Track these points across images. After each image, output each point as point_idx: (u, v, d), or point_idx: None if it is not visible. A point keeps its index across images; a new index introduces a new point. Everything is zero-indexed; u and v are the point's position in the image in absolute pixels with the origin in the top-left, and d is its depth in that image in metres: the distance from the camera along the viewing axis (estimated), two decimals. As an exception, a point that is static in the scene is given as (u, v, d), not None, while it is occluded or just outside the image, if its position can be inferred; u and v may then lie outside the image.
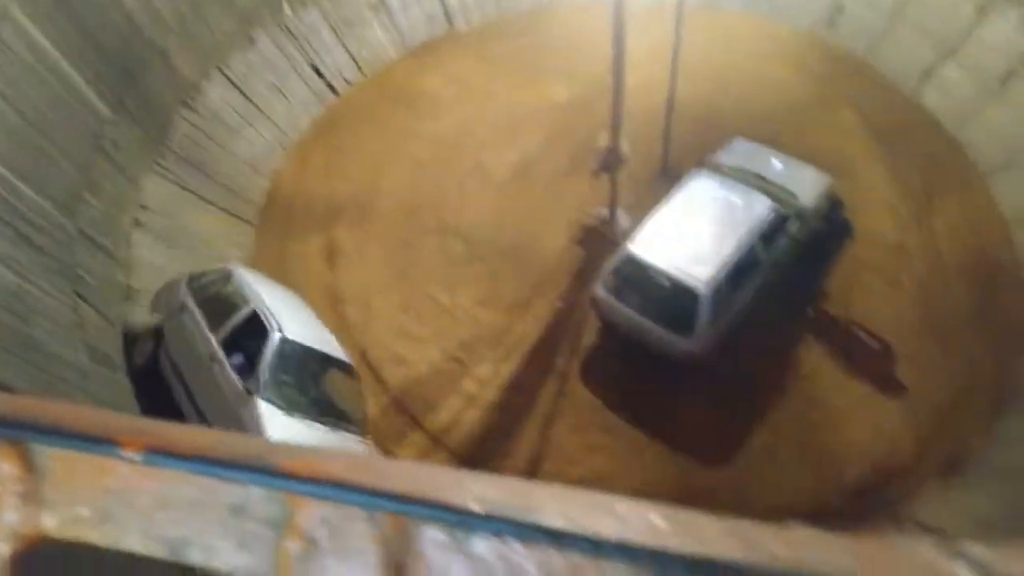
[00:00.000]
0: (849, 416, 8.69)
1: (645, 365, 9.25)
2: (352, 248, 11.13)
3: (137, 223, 9.69)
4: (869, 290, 9.78)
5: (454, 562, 0.68)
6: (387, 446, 8.96)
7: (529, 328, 9.99)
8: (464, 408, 9.18)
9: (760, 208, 9.22)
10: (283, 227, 11.50)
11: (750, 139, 10.66)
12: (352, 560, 0.71)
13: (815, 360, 9.20)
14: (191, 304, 8.28)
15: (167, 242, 10.30)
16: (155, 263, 9.88)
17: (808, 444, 8.53)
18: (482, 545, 0.68)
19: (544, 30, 14.10)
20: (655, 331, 8.81)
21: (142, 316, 9.00)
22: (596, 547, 0.67)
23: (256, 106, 12.06)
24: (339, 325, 10.19)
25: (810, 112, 11.94)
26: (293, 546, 0.73)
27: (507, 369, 9.52)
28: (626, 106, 9.01)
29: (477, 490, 0.74)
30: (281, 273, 10.85)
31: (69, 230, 8.32)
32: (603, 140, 9.73)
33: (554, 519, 0.70)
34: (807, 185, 9.91)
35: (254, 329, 7.84)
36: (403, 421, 9.21)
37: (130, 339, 8.79)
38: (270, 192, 11.95)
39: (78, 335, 7.91)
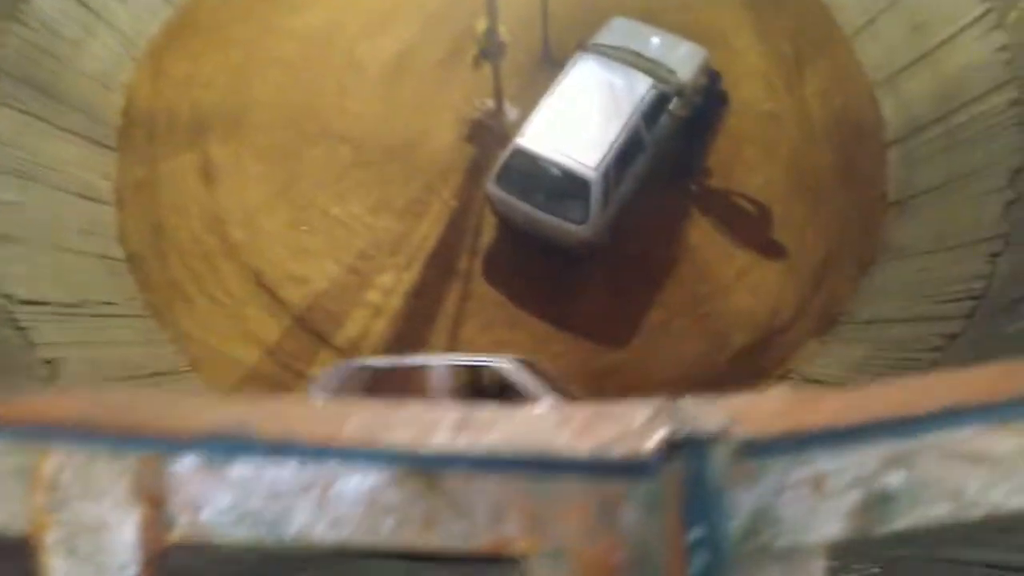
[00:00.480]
0: (734, 283, 9.31)
1: (544, 256, 9.48)
2: (229, 163, 10.50)
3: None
4: (747, 160, 10.22)
5: (213, 488, 0.68)
6: (296, 367, 8.94)
7: (427, 231, 9.94)
8: (371, 319, 9.20)
9: (642, 88, 9.30)
10: (147, 147, 10.65)
11: (627, 16, 10.54)
12: (103, 501, 0.70)
13: (701, 234, 9.68)
14: None
15: (21, 177, 9.36)
16: (11, 201, 9.02)
17: (699, 314, 9.14)
18: (240, 468, 0.67)
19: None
20: (550, 222, 8.97)
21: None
22: (345, 459, 0.67)
23: (97, 14, 10.77)
24: (226, 248, 9.83)
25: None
26: (41, 497, 0.71)
27: (409, 276, 9.52)
28: (501, -12, 8.67)
29: (226, 414, 0.73)
30: (155, 198, 10.20)
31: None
32: (481, 25, 9.38)
33: (297, 435, 0.69)
34: (685, 60, 10.01)
35: None
36: (310, 339, 9.14)
37: None
38: (126, 109, 10.93)
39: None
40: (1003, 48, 8.89)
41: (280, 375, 8.96)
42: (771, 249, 9.48)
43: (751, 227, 9.69)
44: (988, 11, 9.20)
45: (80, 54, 10.49)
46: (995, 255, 7.45)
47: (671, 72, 9.64)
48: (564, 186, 8.82)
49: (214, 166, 10.47)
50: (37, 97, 9.68)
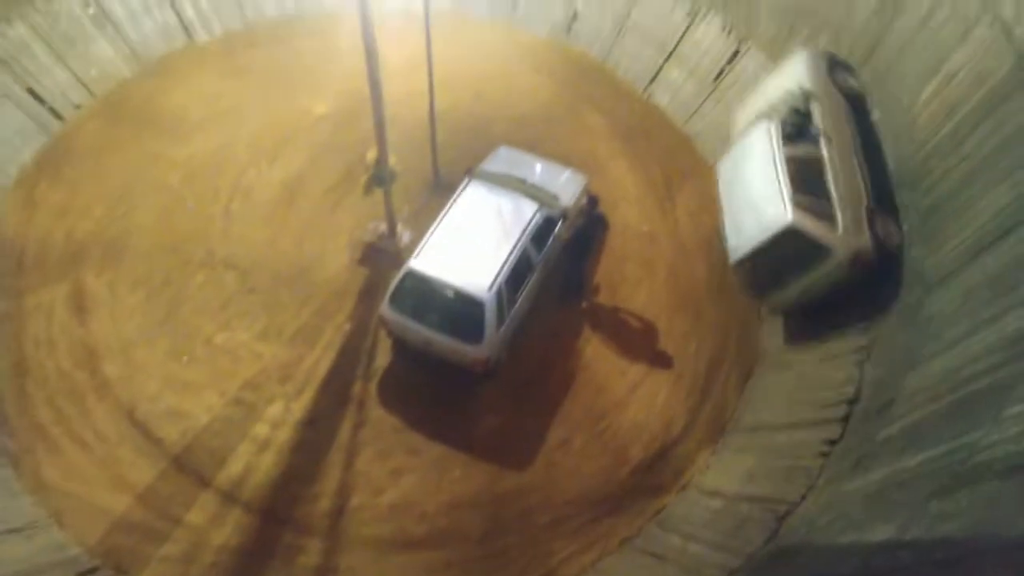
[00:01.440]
0: (628, 397, 9.52)
1: (440, 377, 9.39)
2: (104, 294, 9.96)
3: None
4: (630, 277, 10.75)
5: None
6: (173, 512, 8.19)
7: (319, 356, 9.67)
8: (257, 455, 8.65)
9: (528, 211, 9.72)
10: (13, 279, 9.99)
11: (511, 146, 11.17)
12: None
13: (593, 350, 9.94)
14: None
15: None
16: None
17: (597, 431, 9.22)
18: None
19: (294, 40, 13.60)
20: (445, 342, 8.97)
21: None
22: None
23: (-43, 143, 10.30)
24: (98, 384, 9.15)
25: (561, 116, 12.81)
26: None
27: (300, 405, 9.13)
28: (390, 118, 8.97)
29: None
30: (18, 333, 9.46)
31: None
32: (371, 155, 9.62)
33: None
34: (567, 185, 10.63)
35: None
36: (188, 482, 8.44)
37: None
38: (-9, 241, 10.29)
39: None
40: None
41: (155, 523, 8.16)
42: (659, 361, 9.84)
43: (639, 341, 10.06)
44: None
45: (-62, 185, 9.91)
46: (861, 362, 8.03)
47: (554, 197, 10.17)
48: (458, 307, 8.91)
49: (87, 297, 9.90)
50: None
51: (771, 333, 9.92)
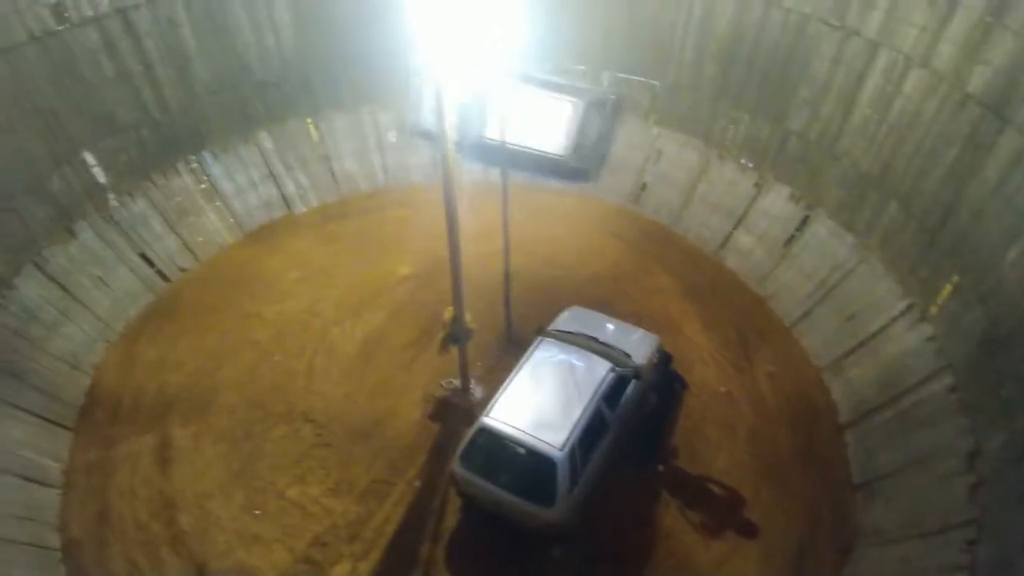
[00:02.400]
0: (714, 574, 8.87)
1: (510, 541, 9.02)
2: (188, 445, 10.26)
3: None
4: (710, 440, 10.39)
5: None
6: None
7: (388, 514, 9.50)
8: (322, 618, 8.35)
9: (601, 370, 9.68)
10: (107, 428, 10.44)
11: (583, 306, 11.41)
12: None
13: (673, 519, 9.42)
14: None
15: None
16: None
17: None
18: None
19: (382, 210, 14.73)
20: (516, 503, 8.70)
21: None
22: None
23: (77, 299, 11.28)
24: (172, 536, 9.18)
25: (631, 276, 13.13)
26: None
27: (366, 567, 8.85)
28: (466, 278, 9.37)
29: None
30: (105, 481, 9.74)
31: None
32: (448, 313, 9.98)
33: None
34: (640, 345, 10.64)
35: None
36: (251, 644, 8.16)
37: None
38: (91, 391, 10.93)
39: None
40: (931, 338, 9.72)
41: None
42: (746, 534, 9.20)
43: (723, 510, 9.51)
44: (911, 305, 10.24)
45: (52, 337, 10.75)
46: (971, 543, 7.35)
47: (627, 356, 10.18)
48: (530, 467, 8.71)
49: (172, 448, 10.21)
50: (2, 378, 9.67)
51: (868, 509, 9.24)
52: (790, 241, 12.54)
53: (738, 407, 10.88)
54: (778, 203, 12.84)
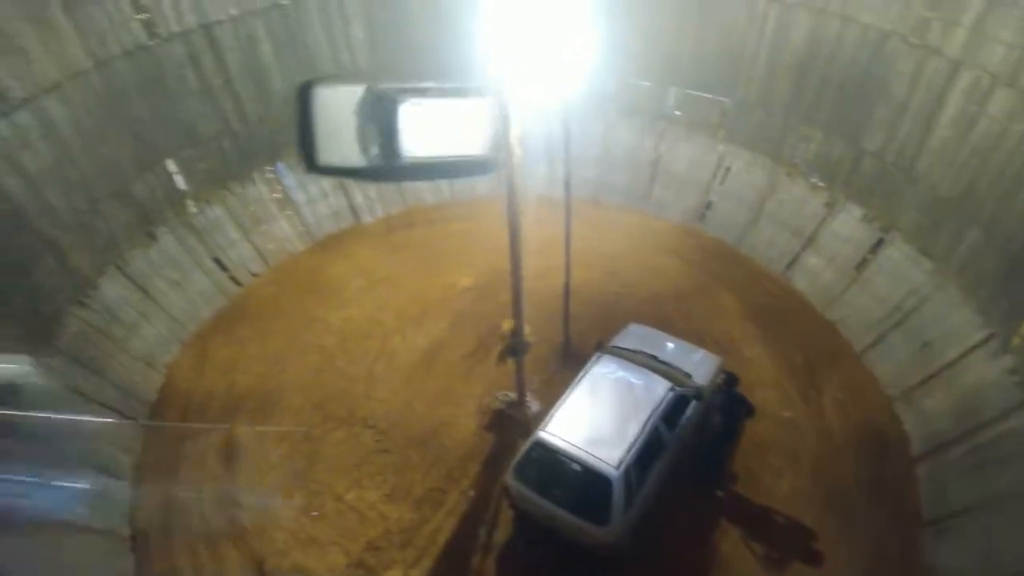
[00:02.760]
0: (770, 603, 8.61)
1: (561, 558, 8.95)
2: (251, 446, 10.57)
3: (11, 429, 8.89)
4: (772, 467, 10.10)
5: None
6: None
7: (441, 522, 9.57)
8: (373, 623, 8.45)
9: (660, 389, 9.54)
10: (176, 428, 10.86)
11: (642, 323, 11.28)
12: None
13: (731, 545, 9.18)
14: None
15: (43, 449, 9.47)
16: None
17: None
18: None
19: (446, 222, 14.93)
20: (569, 520, 8.63)
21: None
22: None
23: (155, 301, 11.82)
24: (233, 532, 9.45)
25: (693, 295, 12.92)
26: None
27: (417, 574, 8.93)
28: (526, 291, 9.39)
29: None
30: (173, 475, 10.13)
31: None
32: (507, 325, 10.02)
33: None
34: (701, 365, 10.44)
35: None
36: (303, 644, 8.32)
37: None
38: (164, 388, 11.41)
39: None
40: (1012, 371, 9.22)
41: None
42: (808, 567, 8.89)
43: (783, 541, 9.21)
44: (991, 335, 9.75)
45: (131, 336, 11.28)
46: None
47: (687, 376, 10.00)
48: (585, 484, 8.62)
49: (237, 447, 10.54)
50: (84, 374, 10.20)
51: (939, 548, 8.80)
52: (862, 264, 12.12)
53: (802, 434, 10.54)
54: (850, 224, 12.44)
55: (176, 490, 10.01)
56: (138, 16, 11.00)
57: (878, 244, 11.96)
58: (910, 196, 11.45)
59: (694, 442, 9.84)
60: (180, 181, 12.50)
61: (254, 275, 13.54)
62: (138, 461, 10.31)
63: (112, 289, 11.20)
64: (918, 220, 11.36)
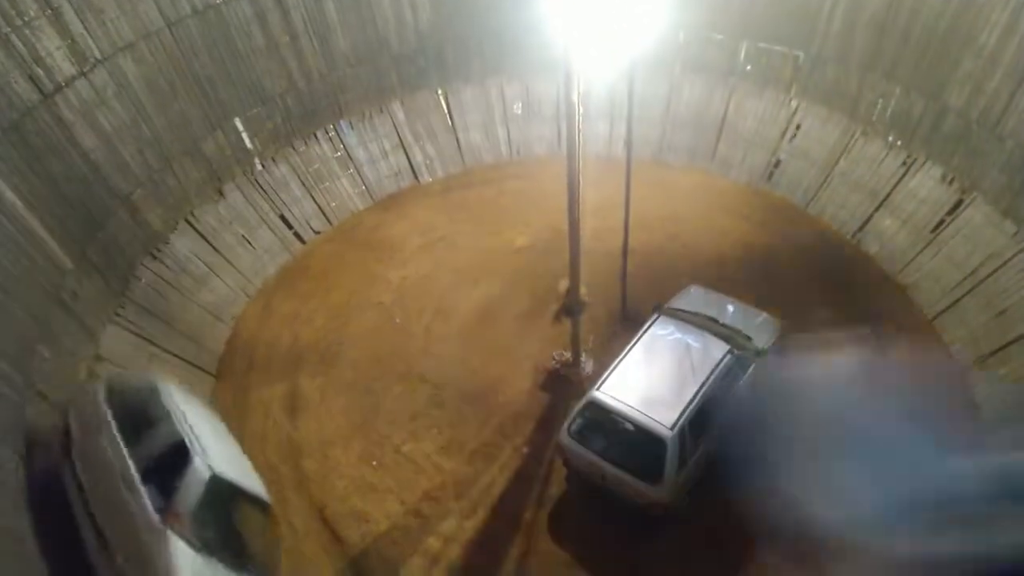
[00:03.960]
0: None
1: (614, 516, 9.01)
2: (314, 397, 10.94)
3: (91, 374, 9.42)
4: (832, 434, 9.84)
5: None
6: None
7: (495, 477, 9.74)
8: (427, 569, 8.70)
9: (718, 352, 9.37)
10: (244, 376, 11.32)
11: (703, 285, 11.05)
12: None
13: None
14: (108, 417, 7.53)
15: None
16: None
17: (784, 600, 8.22)
18: None
19: (504, 181, 14.89)
20: (623, 478, 8.65)
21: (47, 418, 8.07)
22: None
23: (223, 256, 12.24)
24: (297, 479, 9.86)
25: (758, 259, 12.55)
26: None
27: (472, 524, 9.15)
28: (584, 252, 9.32)
29: None
30: (241, 423, 10.58)
31: (18, 385, 8.02)
32: (563, 285, 9.98)
33: None
34: (762, 329, 10.19)
35: (178, 458, 7.24)
36: (361, 586, 8.66)
37: (31, 443, 7.64)
38: (231, 340, 11.86)
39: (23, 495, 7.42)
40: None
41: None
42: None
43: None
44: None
45: (201, 289, 11.73)
46: None
47: (748, 339, 9.78)
48: (638, 444, 8.61)
49: (301, 397, 10.92)
50: (155, 324, 10.69)
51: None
52: (939, 227, 11.53)
53: (867, 402, 10.20)
54: (928, 184, 11.82)
55: (243, 439, 10.44)
56: (206, -25, 11.19)
57: (957, 205, 11.34)
58: (996, 155, 10.76)
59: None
60: (247, 139, 12.81)
61: (317, 232, 13.85)
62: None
63: (183, 243, 11.64)
64: (1003, 181, 10.68)
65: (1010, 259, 10.34)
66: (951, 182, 11.51)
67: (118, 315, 10.14)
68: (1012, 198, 10.53)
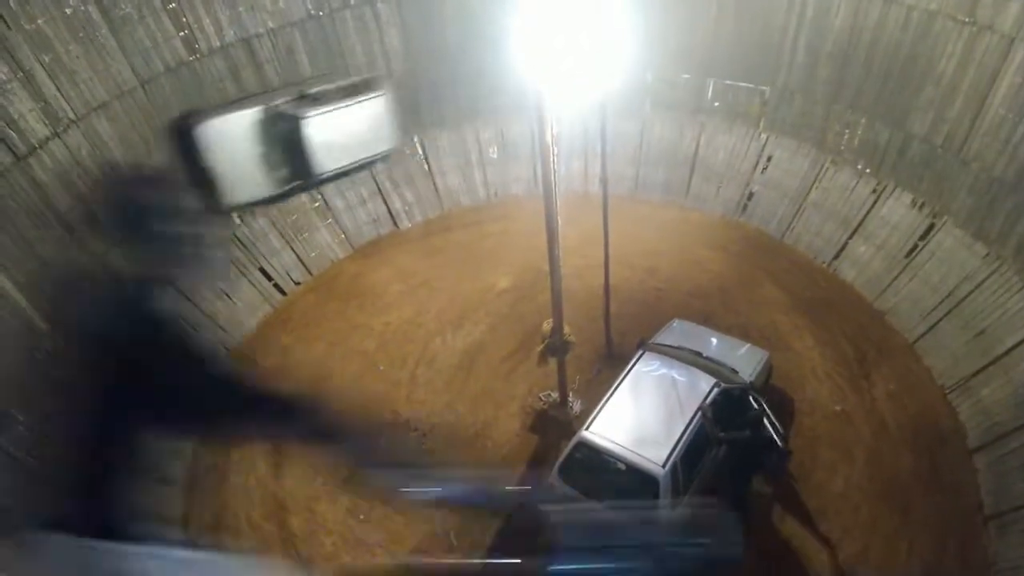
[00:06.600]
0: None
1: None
2: (298, 451, 10.70)
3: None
4: (824, 461, 9.82)
5: None
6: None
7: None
8: (421, 624, 8.49)
9: (705, 386, 9.37)
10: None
11: (685, 319, 11.10)
12: None
13: (782, 544, 8.96)
14: None
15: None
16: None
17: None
18: None
19: (484, 224, 14.96)
20: (616, 520, 8.53)
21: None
22: None
23: (202, 311, 12.09)
24: (282, 537, 9.60)
25: (737, 289, 12.66)
26: None
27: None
28: (565, 291, 9.32)
29: None
30: (222, 484, 10.33)
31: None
32: (548, 326, 9.97)
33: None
34: (746, 360, 10.22)
35: None
36: (352, 647, 8.40)
37: None
38: (213, 396, 11.64)
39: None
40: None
41: None
42: (865, 563, 8.61)
43: (838, 537, 8.94)
44: (1050, 319, 9.34)
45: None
46: None
47: (733, 372, 9.79)
48: (630, 484, 8.51)
49: (285, 452, 10.70)
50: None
51: (1002, 542, 8.43)
52: (912, 252, 11.73)
53: (855, 427, 10.23)
54: (899, 211, 12.05)
55: (226, 497, 10.21)
56: (180, 33, 11.28)
57: (929, 230, 11.56)
58: (961, 179, 11.02)
59: (742, 436, 9.60)
60: (223, 193, 12.75)
61: (297, 283, 13.76)
62: (189, 469, 10.53)
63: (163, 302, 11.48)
64: (970, 203, 10.93)
65: (983, 281, 10.51)
66: (921, 207, 11.74)
67: (95, 377, 9.94)
68: (981, 220, 10.75)
